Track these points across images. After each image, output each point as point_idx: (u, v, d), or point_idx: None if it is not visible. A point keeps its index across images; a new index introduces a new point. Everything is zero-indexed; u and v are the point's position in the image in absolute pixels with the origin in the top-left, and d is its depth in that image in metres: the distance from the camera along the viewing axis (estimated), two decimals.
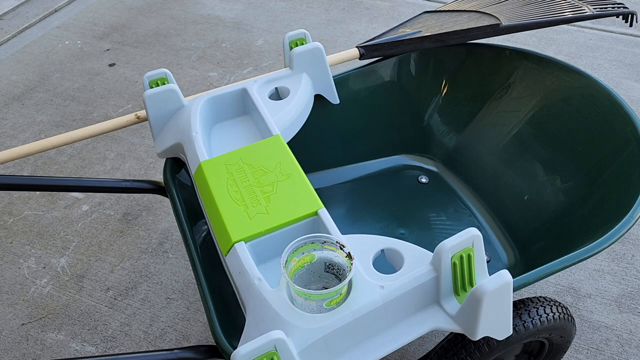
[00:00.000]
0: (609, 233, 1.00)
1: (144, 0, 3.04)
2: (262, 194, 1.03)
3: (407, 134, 1.60)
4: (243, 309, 0.93)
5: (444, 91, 1.56)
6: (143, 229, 1.78)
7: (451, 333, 1.05)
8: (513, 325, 1.01)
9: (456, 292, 0.89)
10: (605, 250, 1.66)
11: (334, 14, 2.84)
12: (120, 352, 1.21)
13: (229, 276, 0.97)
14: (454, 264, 0.86)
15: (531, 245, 1.32)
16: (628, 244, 1.65)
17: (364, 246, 0.94)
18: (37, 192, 1.91)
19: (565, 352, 1.22)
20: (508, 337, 1.00)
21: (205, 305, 0.98)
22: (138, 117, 1.30)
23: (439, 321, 0.88)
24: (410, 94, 1.56)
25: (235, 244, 0.94)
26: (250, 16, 2.85)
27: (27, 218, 1.84)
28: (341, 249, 0.85)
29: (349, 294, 0.86)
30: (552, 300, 1.09)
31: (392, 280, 0.87)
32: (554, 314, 1.06)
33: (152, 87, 1.26)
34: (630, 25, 1.46)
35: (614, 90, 1.30)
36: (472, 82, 1.53)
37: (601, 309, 1.50)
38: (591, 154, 1.28)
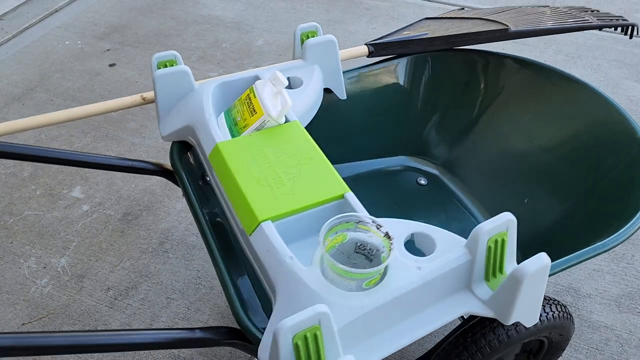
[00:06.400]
0: (612, 236, 1.01)
1: (144, 0, 3.04)
2: (285, 176, 1.00)
3: (408, 136, 1.61)
4: (269, 291, 0.90)
5: (447, 96, 1.57)
6: (143, 229, 1.78)
7: (451, 334, 1.06)
8: (514, 325, 1.01)
9: (487, 278, 0.88)
10: None
11: (334, 14, 2.84)
12: (141, 328, 1.17)
13: (250, 258, 0.94)
14: (489, 248, 0.85)
15: (531, 247, 1.32)
16: (628, 244, 1.66)
17: (394, 230, 0.91)
18: (38, 192, 1.91)
19: (564, 350, 1.22)
20: (509, 337, 1.01)
21: (223, 284, 0.95)
22: (144, 99, 1.25)
23: (472, 306, 0.87)
24: (414, 96, 1.57)
25: (262, 223, 0.92)
26: (250, 16, 2.86)
27: (28, 218, 1.84)
28: (378, 228, 0.84)
29: (384, 275, 0.85)
30: (551, 299, 1.09)
31: (428, 262, 0.86)
32: (554, 312, 1.07)
33: (159, 69, 1.23)
34: (630, 37, 1.49)
35: (612, 97, 1.32)
36: (473, 88, 1.54)
37: (601, 309, 1.50)
38: (591, 159, 1.29)
